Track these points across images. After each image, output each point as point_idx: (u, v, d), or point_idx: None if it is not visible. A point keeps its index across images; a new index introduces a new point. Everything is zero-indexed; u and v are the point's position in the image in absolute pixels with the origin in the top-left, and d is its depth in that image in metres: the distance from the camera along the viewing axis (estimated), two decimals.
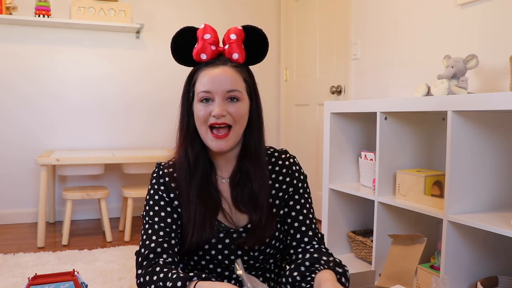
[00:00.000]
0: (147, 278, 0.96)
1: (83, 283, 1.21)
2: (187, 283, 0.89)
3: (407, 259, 1.29)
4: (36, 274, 1.16)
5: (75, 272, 1.19)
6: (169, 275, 0.92)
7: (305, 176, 1.17)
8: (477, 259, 1.62)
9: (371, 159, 2.16)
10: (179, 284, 0.89)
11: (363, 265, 2.19)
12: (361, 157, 2.26)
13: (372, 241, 2.06)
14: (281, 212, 1.12)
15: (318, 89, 3.24)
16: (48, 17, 3.04)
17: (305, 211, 1.12)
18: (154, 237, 1.03)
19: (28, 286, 1.12)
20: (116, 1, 3.23)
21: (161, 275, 0.93)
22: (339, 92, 2.99)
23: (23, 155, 3.19)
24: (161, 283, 0.92)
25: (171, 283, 0.90)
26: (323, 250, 1.08)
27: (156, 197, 1.08)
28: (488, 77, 1.90)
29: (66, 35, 3.25)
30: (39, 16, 3.02)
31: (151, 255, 0.99)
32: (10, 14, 3.01)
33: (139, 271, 0.99)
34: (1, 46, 3.11)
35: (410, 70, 2.36)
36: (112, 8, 3.20)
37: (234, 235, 1.07)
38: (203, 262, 1.07)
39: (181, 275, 0.91)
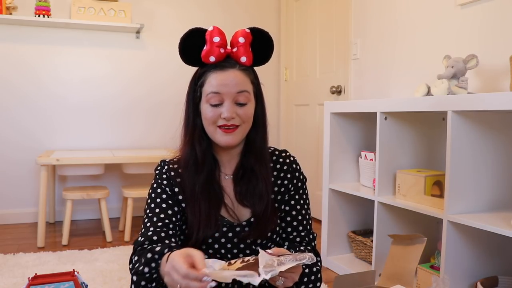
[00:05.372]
0: (136, 258, 0.99)
1: (83, 283, 1.21)
2: (165, 250, 0.93)
3: (407, 259, 1.29)
4: (36, 274, 1.17)
5: (75, 272, 1.19)
6: (155, 248, 0.96)
7: (305, 178, 1.21)
8: (477, 259, 1.62)
9: (371, 159, 2.16)
10: (157, 249, 0.94)
11: (363, 265, 2.19)
12: (361, 157, 2.26)
13: (372, 241, 2.06)
14: (283, 207, 1.15)
15: (318, 89, 3.24)
16: (48, 17, 3.04)
17: (303, 211, 1.16)
18: (152, 228, 1.05)
19: (28, 286, 1.12)
20: (116, 1, 3.23)
21: (148, 251, 0.96)
22: (339, 92, 2.99)
23: (23, 155, 3.19)
24: (147, 255, 0.95)
25: (151, 254, 0.94)
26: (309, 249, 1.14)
27: (159, 190, 1.11)
28: (488, 77, 1.90)
29: (66, 35, 3.24)
30: (39, 16, 3.02)
31: (147, 243, 1.01)
32: (10, 14, 3.00)
33: (133, 256, 1.02)
34: (1, 46, 3.11)
35: (410, 70, 2.36)
36: (112, 8, 3.20)
37: (237, 229, 1.09)
38: (206, 256, 1.09)
39: (160, 246, 0.96)
